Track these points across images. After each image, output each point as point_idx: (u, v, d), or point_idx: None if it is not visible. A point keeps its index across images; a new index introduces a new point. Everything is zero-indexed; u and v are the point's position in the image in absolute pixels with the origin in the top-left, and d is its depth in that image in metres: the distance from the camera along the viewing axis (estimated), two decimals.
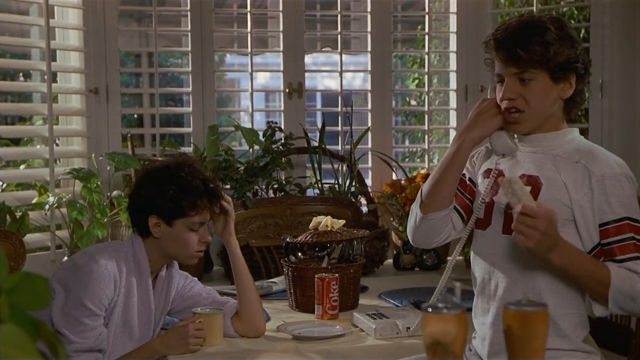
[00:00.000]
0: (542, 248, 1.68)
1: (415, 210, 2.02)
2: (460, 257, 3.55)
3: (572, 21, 5.01)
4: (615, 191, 1.78)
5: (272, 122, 3.57)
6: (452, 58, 3.97)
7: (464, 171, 2.03)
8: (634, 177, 1.83)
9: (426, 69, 3.95)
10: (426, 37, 3.96)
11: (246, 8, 3.73)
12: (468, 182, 2.04)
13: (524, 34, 1.82)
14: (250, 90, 3.76)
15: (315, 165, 3.56)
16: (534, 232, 1.65)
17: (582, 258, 1.75)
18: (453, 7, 3.89)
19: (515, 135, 1.95)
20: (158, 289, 2.27)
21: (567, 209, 1.80)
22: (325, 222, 2.65)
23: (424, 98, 3.97)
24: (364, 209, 3.58)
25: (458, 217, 2.02)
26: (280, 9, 3.73)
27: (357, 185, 3.62)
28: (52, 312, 2.06)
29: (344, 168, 3.67)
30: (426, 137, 3.94)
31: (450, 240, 2.05)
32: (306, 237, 2.62)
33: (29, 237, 3.07)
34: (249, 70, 3.75)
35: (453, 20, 3.91)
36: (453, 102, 3.94)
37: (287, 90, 3.73)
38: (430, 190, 1.97)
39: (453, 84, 3.91)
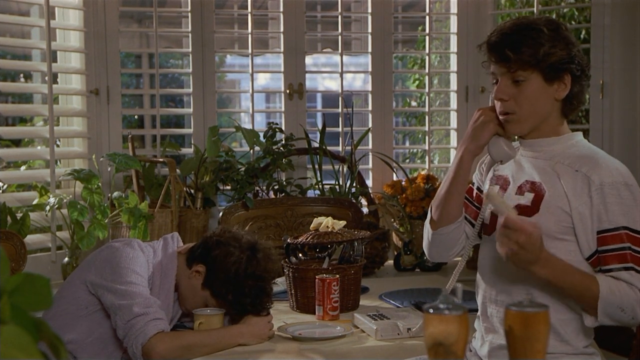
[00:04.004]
0: (520, 260, 1.69)
1: (426, 228, 2.05)
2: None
3: (573, 22, 5.02)
4: (614, 200, 1.76)
5: (272, 123, 3.56)
6: (453, 59, 3.97)
7: (473, 179, 2.04)
8: (636, 184, 1.81)
9: (427, 70, 3.95)
10: (427, 38, 3.95)
11: (247, 9, 3.73)
12: (476, 190, 2.05)
13: (516, 36, 1.83)
14: (250, 91, 3.76)
15: (316, 166, 3.56)
16: (512, 245, 1.66)
17: (566, 271, 1.73)
18: (454, 8, 3.89)
19: (517, 140, 1.95)
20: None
21: (567, 217, 1.80)
22: (326, 223, 2.65)
23: (425, 99, 3.97)
24: (365, 210, 3.58)
25: (470, 227, 2.03)
26: (281, 9, 3.72)
27: (358, 186, 3.62)
28: (112, 311, 2.09)
29: (345, 169, 3.66)
30: (427, 138, 3.94)
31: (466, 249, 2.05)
32: (307, 238, 2.62)
33: (30, 238, 3.07)
34: (250, 71, 3.74)
35: (454, 21, 3.91)
36: (454, 103, 3.93)
37: (287, 91, 3.72)
38: (438, 206, 1.99)
39: (454, 85, 3.91)
